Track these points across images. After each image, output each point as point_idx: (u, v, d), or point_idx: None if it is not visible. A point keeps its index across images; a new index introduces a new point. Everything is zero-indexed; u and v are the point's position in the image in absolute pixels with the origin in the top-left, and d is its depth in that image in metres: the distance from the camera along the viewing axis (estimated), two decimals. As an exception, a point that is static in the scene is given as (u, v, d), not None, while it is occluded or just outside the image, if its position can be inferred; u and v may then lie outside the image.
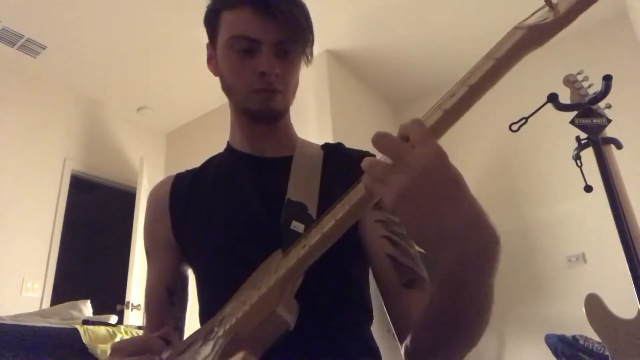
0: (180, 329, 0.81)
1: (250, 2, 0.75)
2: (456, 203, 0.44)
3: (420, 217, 0.44)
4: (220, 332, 0.60)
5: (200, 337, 0.67)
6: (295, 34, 0.76)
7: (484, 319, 0.53)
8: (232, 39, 0.76)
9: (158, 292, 0.80)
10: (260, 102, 0.77)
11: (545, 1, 0.46)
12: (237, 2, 0.76)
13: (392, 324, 0.69)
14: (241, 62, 0.76)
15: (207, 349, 0.61)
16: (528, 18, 0.47)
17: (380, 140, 0.46)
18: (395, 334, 0.68)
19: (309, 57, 0.82)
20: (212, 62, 0.85)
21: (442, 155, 0.44)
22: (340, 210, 0.53)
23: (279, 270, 0.57)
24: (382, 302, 0.71)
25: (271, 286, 0.57)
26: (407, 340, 0.61)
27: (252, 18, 0.75)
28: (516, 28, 0.47)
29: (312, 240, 0.54)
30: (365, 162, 0.48)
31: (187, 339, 0.71)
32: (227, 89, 0.82)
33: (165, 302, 0.80)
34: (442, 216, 0.44)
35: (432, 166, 0.44)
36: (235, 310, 0.61)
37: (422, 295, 0.66)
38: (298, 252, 0.56)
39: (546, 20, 0.45)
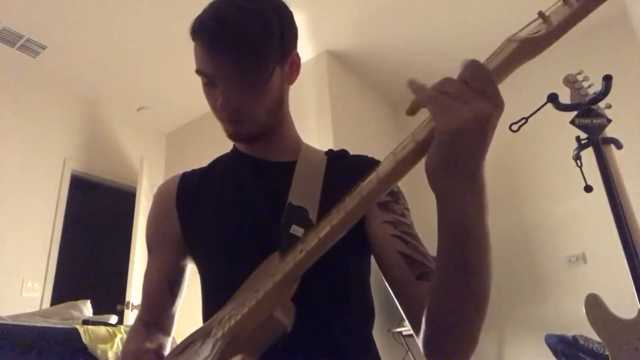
0: (174, 315, 0.86)
1: (200, 37, 0.72)
2: (484, 148, 0.47)
3: (457, 156, 0.46)
4: (219, 334, 0.61)
5: (199, 337, 0.68)
6: (248, 62, 0.71)
7: (489, 267, 0.53)
8: (196, 72, 0.76)
9: (160, 282, 0.84)
10: (230, 130, 0.79)
11: (538, 14, 0.47)
12: (193, 36, 0.74)
13: (406, 313, 0.69)
14: (208, 93, 0.77)
15: (206, 350, 0.62)
16: (521, 30, 0.48)
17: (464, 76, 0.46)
18: (409, 323, 0.68)
19: (288, 56, 0.78)
20: None
21: (501, 106, 0.46)
22: (335, 216, 0.54)
23: (277, 275, 0.58)
24: (392, 296, 0.71)
25: (268, 290, 0.58)
26: (424, 319, 0.61)
27: (204, 53, 0.72)
28: (509, 40, 0.47)
29: (309, 246, 0.55)
30: (439, 83, 0.49)
31: (187, 338, 0.72)
32: None
33: (165, 292, 0.84)
34: (475, 159, 0.47)
35: (494, 116, 0.45)
36: (234, 312, 0.62)
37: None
38: (295, 257, 0.57)
39: (538, 33, 0.46)
